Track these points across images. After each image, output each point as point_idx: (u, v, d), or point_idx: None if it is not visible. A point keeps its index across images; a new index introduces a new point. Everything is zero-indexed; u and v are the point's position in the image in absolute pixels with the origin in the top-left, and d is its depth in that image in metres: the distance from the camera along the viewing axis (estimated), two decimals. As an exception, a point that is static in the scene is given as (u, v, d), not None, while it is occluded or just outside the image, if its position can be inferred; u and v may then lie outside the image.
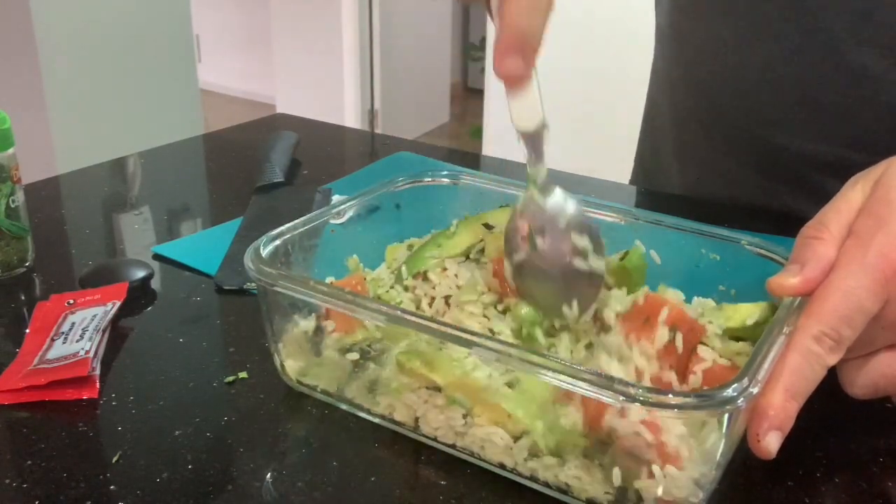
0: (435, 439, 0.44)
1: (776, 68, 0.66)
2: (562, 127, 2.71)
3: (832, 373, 0.41)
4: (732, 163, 0.75)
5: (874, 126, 0.63)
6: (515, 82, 0.41)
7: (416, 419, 0.44)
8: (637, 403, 0.35)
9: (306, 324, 0.48)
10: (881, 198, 0.41)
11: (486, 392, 0.41)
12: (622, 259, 0.49)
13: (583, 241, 0.44)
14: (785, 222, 0.69)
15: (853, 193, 0.43)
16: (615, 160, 1.06)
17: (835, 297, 0.39)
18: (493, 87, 2.91)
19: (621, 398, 0.35)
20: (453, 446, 0.44)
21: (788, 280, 0.41)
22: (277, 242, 0.50)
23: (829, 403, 0.49)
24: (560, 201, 0.45)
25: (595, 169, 0.89)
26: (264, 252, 0.48)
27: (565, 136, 2.69)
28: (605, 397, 0.36)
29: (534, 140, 0.43)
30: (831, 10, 0.61)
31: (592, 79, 2.60)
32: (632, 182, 0.90)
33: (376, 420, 0.46)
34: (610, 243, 0.54)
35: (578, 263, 0.44)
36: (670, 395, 0.35)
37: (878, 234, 0.40)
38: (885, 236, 0.39)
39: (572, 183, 0.85)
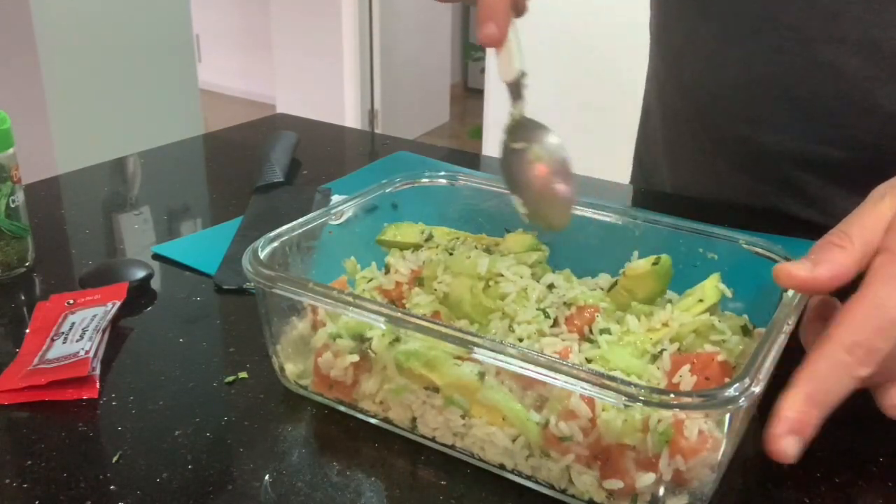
0: (433, 440, 0.44)
1: (754, 67, 0.67)
2: (563, 127, 2.72)
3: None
4: (719, 162, 0.76)
5: (851, 123, 0.64)
6: (494, 45, 0.47)
7: (414, 420, 0.44)
8: (639, 403, 0.35)
9: (304, 326, 0.48)
10: None
11: (480, 391, 0.41)
12: (654, 264, 0.49)
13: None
14: (787, 223, 0.69)
15: (882, 208, 0.41)
16: (616, 160, 1.06)
17: (867, 307, 0.38)
18: (493, 87, 2.90)
19: (623, 398, 0.35)
20: (452, 447, 0.44)
21: (799, 272, 0.40)
22: (275, 244, 0.49)
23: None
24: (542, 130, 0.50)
25: (596, 169, 0.89)
26: (262, 254, 0.48)
27: (566, 137, 2.70)
28: (607, 398, 0.36)
29: (514, 86, 0.49)
30: (804, 8, 0.62)
31: (593, 79, 2.60)
32: (631, 182, 0.91)
33: (374, 422, 0.46)
34: (610, 243, 0.55)
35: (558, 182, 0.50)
36: (672, 395, 0.35)
37: None
38: None
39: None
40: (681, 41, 0.74)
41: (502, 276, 0.50)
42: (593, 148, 2.42)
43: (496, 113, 2.92)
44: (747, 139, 0.71)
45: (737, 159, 0.74)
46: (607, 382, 0.36)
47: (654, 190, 0.85)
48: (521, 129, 0.49)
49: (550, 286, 0.50)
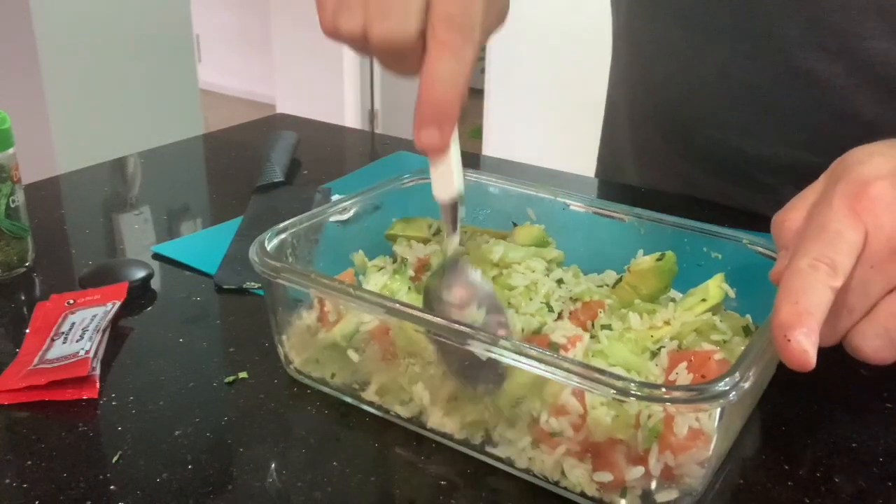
0: (433, 430, 0.44)
1: (730, 72, 0.67)
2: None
3: (828, 371, 0.41)
4: (689, 165, 0.75)
5: (828, 129, 0.64)
6: (433, 153, 0.43)
7: (420, 410, 0.45)
8: (630, 397, 0.35)
9: (310, 316, 0.48)
10: (837, 167, 0.42)
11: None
12: (658, 259, 0.50)
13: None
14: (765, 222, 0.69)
15: (817, 183, 0.43)
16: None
17: (811, 231, 0.39)
18: (493, 87, 2.91)
19: (612, 392, 0.35)
20: (451, 438, 0.44)
21: (776, 270, 0.41)
22: (283, 236, 0.50)
23: (828, 404, 0.49)
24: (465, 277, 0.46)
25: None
26: (269, 245, 0.48)
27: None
28: (597, 391, 0.36)
29: (449, 210, 0.44)
30: (783, 15, 0.62)
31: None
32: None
33: (379, 413, 0.46)
34: (615, 242, 0.55)
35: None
36: (663, 389, 0.35)
37: (839, 184, 0.40)
38: (845, 184, 0.40)
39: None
40: (654, 44, 0.73)
41: (517, 265, 0.50)
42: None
43: (496, 113, 2.93)
44: (718, 142, 0.71)
45: (708, 162, 0.73)
46: (598, 376, 0.36)
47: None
48: (451, 276, 0.45)
49: (559, 281, 0.51)
